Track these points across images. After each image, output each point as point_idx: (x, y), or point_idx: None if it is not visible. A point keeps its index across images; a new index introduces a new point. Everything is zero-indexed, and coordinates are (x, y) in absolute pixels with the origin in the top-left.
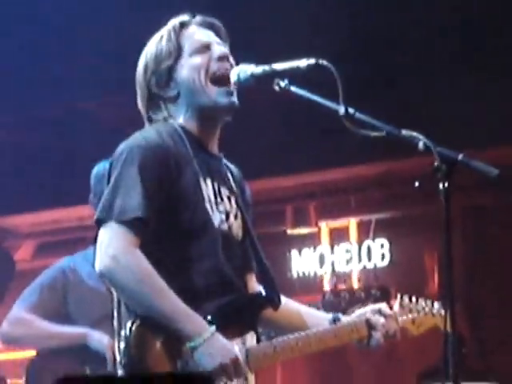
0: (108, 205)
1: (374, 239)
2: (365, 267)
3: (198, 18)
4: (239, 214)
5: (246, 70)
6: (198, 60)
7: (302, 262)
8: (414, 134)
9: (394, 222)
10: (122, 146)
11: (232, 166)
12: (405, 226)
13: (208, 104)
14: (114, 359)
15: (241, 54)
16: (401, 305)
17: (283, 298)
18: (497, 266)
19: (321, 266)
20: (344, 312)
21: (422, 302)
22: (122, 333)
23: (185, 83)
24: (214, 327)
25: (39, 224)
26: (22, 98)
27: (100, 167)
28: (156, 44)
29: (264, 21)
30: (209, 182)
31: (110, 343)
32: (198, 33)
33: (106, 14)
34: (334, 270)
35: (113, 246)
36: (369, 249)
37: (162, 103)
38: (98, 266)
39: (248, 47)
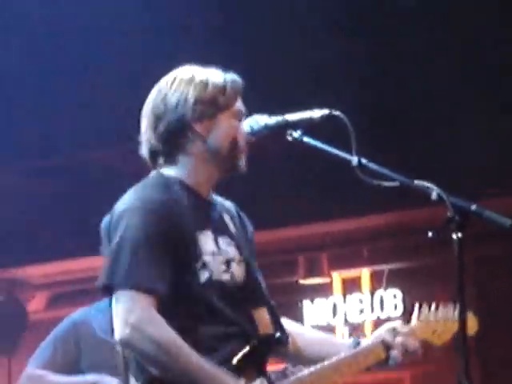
0: (115, 271)
1: (386, 289)
2: (378, 317)
3: (241, 82)
4: (241, 258)
5: (259, 120)
6: (238, 127)
7: (314, 312)
8: (427, 184)
9: (407, 272)
10: (122, 208)
11: (228, 205)
12: (418, 276)
13: (228, 161)
14: None
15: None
16: (419, 318)
17: (297, 327)
18: (508, 313)
19: (333, 316)
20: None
21: (442, 309)
22: None
23: (220, 137)
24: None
25: (52, 275)
26: (37, 146)
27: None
28: (204, 82)
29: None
30: (208, 233)
31: None
32: (239, 100)
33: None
34: (346, 320)
35: (133, 314)
36: (381, 299)
37: (179, 146)
38: (118, 336)
39: (260, 97)
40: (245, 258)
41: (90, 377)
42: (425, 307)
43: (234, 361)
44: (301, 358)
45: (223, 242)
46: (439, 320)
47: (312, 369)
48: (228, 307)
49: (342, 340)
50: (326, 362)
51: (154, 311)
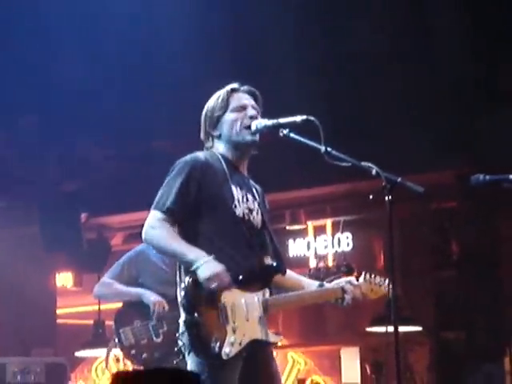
0: (158, 198)
1: (342, 233)
2: (336, 251)
3: (245, 87)
4: (260, 212)
5: (262, 122)
6: (235, 116)
7: (295, 248)
8: (370, 164)
9: (356, 222)
10: (177, 161)
11: (256, 185)
12: (363, 225)
13: (239, 139)
14: (155, 311)
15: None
16: (364, 279)
17: (288, 270)
18: (422, 252)
19: (308, 250)
20: (323, 281)
21: (378, 277)
22: (182, 285)
23: (226, 128)
24: (210, 256)
25: (127, 221)
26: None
27: None
28: (214, 100)
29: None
30: (238, 189)
31: (155, 300)
32: (241, 97)
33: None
34: (316, 252)
35: (150, 223)
36: (339, 239)
37: (211, 138)
38: (142, 234)
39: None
40: (262, 213)
41: (140, 290)
42: (368, 274)
43: (240, 277)
44: (286, 288)
45: (249, 198)
46: (376, 283)
47: (296, 292)
48: (250, 237)
49: (313, 281)
50: (305, 291)
51: (162, 222)
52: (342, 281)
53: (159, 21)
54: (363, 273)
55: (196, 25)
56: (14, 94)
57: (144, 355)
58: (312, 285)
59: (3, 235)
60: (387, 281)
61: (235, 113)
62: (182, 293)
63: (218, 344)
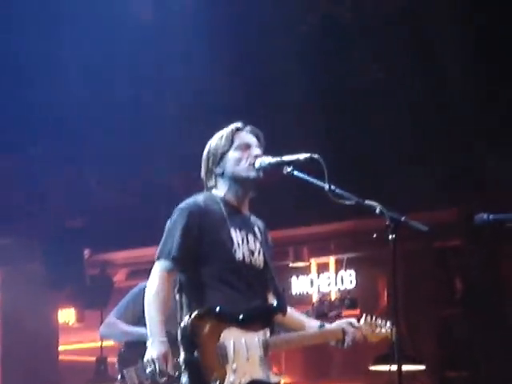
0: (162, 247)
1: (345, 270)
2: (339, 288)
3: (248, 127)
4: (262, 252)
5: (266, 160)
6: (240, 154)
7: (298, 285)
8: (373, 202)
9: (359, 260)
10: (176, 208)
11: (259, 221)
12: (366, 262)
13: (242, 176)
14: None
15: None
16: (365, 321)
17: (289, 309)
18: (425, 290)
19: (311, 287)
20: (326, 316)
21: (379, 320)
22: (182, 323)
23: (231, 165)
24: (160, 339)
25: (130, 258)
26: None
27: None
28: (218, 138)
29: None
30: (238, 231)
31: None
32: (245, 136)
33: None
34: (319, 290)
35: (155, 274)
36: (342, 277)
37: (213, 175)
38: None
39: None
40: (264, 253)
41: (143, 329)
42: (369, 316)
43: (241, 316)
44: (287, 327)
45: (250, 239)
46: (377, 325)
47: (297, 333)
48: (251, 278)
49: (314, 321)
50: (306, 332)
51: (165, 275)
52: (343, 322)
53: (163, 53)
54: (364, 315)
55: (199, 60)
56: (17, 130)
57: None
58: (313, 325)
59: (6, 272)
60: (389, 323)
61: (240, 151)
62: (182, 331)
63: (217, 383)
